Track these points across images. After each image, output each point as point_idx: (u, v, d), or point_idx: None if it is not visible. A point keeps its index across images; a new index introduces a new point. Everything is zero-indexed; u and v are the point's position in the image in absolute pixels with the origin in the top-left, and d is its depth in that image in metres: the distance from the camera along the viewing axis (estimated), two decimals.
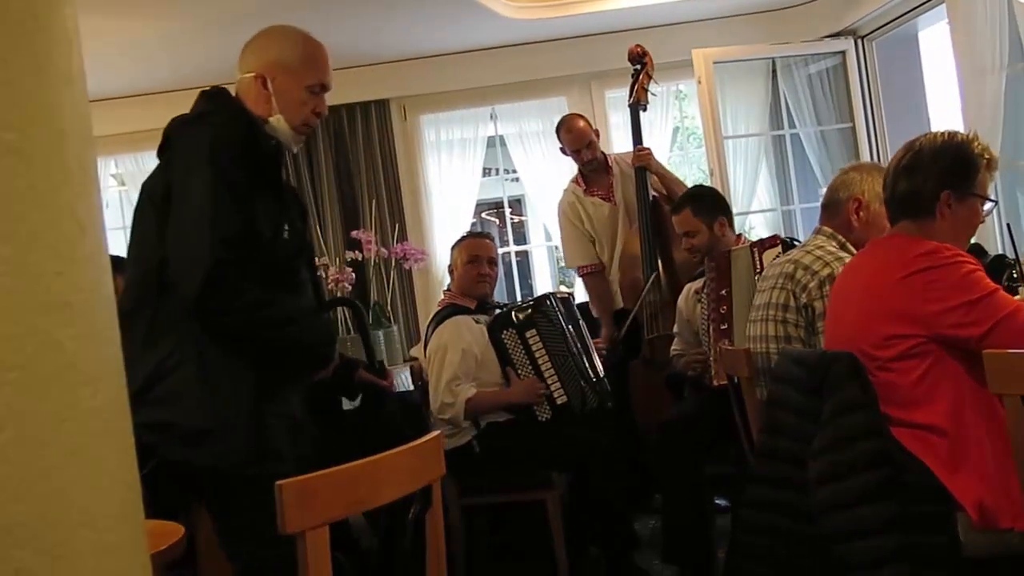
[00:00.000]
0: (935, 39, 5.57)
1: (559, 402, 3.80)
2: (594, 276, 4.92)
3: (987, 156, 2.38)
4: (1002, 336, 2.13)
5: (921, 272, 2.23)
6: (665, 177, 4.74)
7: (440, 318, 3.86)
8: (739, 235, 4.02)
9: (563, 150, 4.86)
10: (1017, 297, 2.94)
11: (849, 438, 2.15)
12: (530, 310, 3.91)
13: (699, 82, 5.49)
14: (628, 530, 3.79)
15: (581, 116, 4.87)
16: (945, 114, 5.55)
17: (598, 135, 4.86)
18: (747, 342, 3.11)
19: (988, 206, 2.43)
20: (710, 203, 3.94)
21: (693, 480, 3.57)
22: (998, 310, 2.16)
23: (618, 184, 4.81)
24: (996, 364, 1.92)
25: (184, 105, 2.53)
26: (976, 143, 2.38)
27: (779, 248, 3.45)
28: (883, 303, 2.27)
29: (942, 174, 2.34)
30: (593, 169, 4.83)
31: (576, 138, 4.76)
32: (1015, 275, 3.23)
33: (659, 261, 4.55)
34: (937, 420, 2.19)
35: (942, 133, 2.41)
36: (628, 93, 4.81)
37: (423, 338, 3.95)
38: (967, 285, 2.19)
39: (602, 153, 4.85)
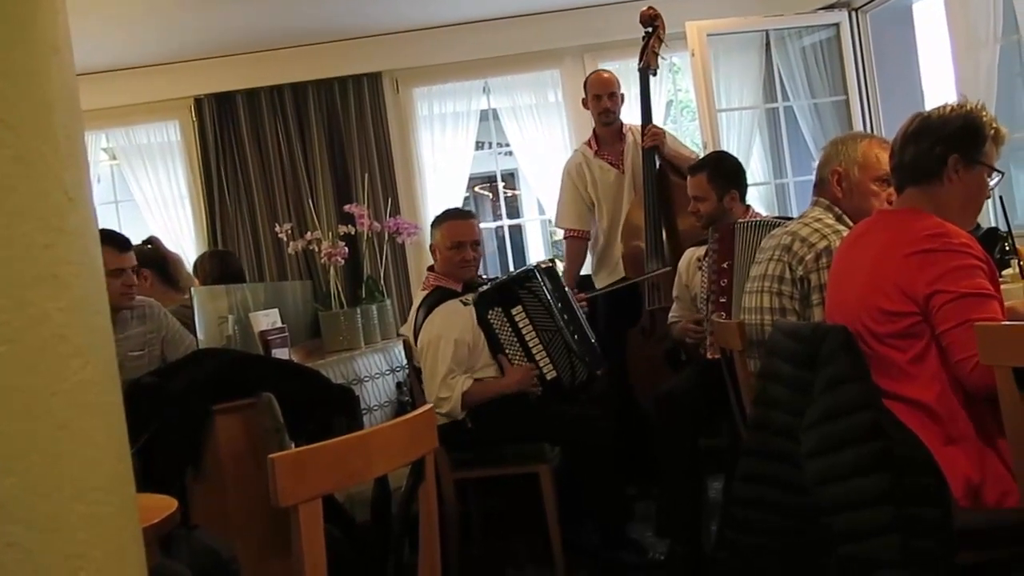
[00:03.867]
0: (929, 11, 5.54)
1: (549, 377, 3.81)
2: (577, 241, 4.98)
3: (995, 127, 2.37)
4: (960, 337, 2.11)
5: (925, 252, 2.21)
6: (678, 158, 4.68)
7: (429, 305, 3.83)
8: (748, 207, 4.01)
9: (585, 102, 4.91)
10: (1009, 271, 2.95)
11: (842, 411, 2.16)
12: (515, 286, 3.89)
13: (692, 55, 5.46)
14: (622, 502, 3.80)
15: (611, 71, 4.96)
16: (939, 86, 5.53)
17: (623, 100, 4.90)
18: (743, 313, 3.11)
19: (995, 178, 2.41)
20: (727, 173, 3.94)
21: (689, 456, 3.58)
22: (975, 313, 2.12)
23: (629, 152, 4.81)
24: (988, 335, 1.93)
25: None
26: (985, 113, 2.37)
27: None
28: (886, 278, 2.26)
29: (950, 138, 2.33)
30: (608, 123, 4.85)
31: (603, 82, 4.83)
32: (1007, 247, 3.23)
33: (663, 234, 4.55)
34: (929, 398, 2.19)
35: (951, 103, 2.40)
36: (638, 57, 4.79)
37: (412, 322, 3.89)
38: (961, 277, 2.16)
39: (619, 121, 4.88)
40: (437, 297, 3.84)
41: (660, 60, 4.80)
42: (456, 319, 3.75)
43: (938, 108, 2.40)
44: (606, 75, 4.88)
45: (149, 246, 4.47)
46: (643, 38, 4.79)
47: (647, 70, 4.76)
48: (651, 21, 4.79)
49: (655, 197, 4.57)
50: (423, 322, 3.78)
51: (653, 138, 4.63)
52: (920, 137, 2.36)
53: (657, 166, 4.62)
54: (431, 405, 1.77)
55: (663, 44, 4.78)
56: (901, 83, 5.64)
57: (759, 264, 3.08)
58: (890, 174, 2.52)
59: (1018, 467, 1.98)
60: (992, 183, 2.41)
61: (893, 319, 2.23)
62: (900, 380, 2.23)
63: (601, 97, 4.80)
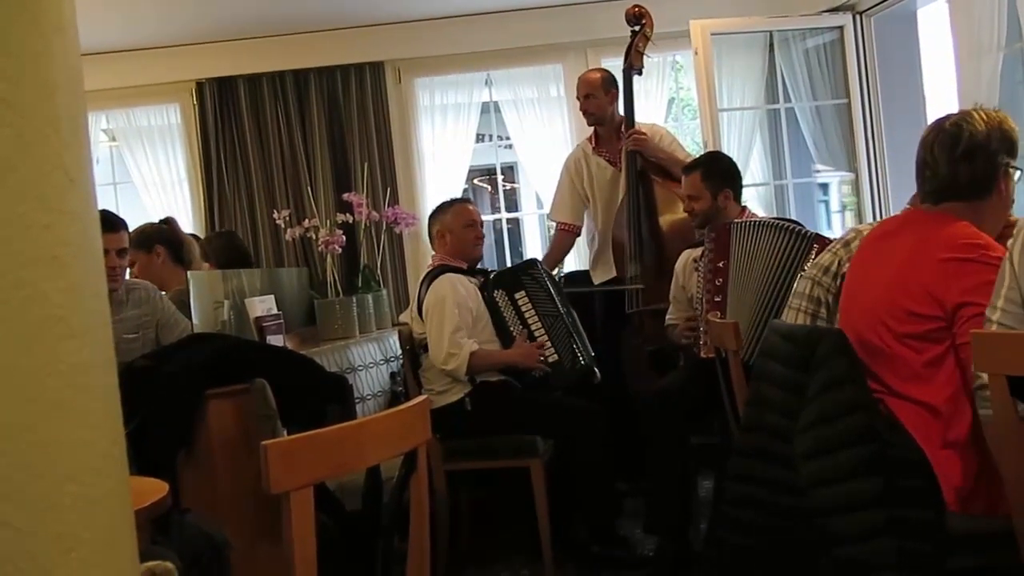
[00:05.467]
0: (933, 17, 5.54)
1: (551, 360, 3.87)
2: (567, 235, 4.97)
3: (1016, 131, 2.38)
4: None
5: (962, 261, 2.20)
6: (668, 160, 4.59)
7: (433, 275, 3.89)
8: (744, 207, 4.00)
9: None
10: None
11: (837, 414, 2.16)
12: (518, 273, 4.02)
13: (696, 53, 5.45)
14: (613, 498, 3.82)
15: (602, 71, 4.87)
16: (941, 93, 5.53)
17: (613, 98, 4.76)
18: (792, 297, 3.07)
19: (1017, 175, 2.41)
20: (721, 172, 3.93)
21: (680, 454, 3.59)
22: None
23: (626, 150, 4.78)
24: (982, 343, 1.93)
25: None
26: (1008, 119, 2.37)
27: None
28: (915, 279, 2.25)
29: (998, 152, 2.33)
30: (594, 123, 4.81)
31: (580, 83, 4.80)
32: None
33: (645, 236, 4.53)
34: (936, 401, 2.19)
35: (976, 114, 2.37)
36: (623, 56, 4.69)
37: (415, 298, 3.95)
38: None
39: (620, 116, 4.79)
40: (441, 269, 3.92)
41: (646, 59, 4.70)
42: (460, 286, 3.83)
43: (968, 120, 2.35)
44: (585, 76, 4.82)
45: (166, 225, 4.54)
46: (630, 36, 4.69)
47: (631, 70, 4.66)
48: (637, 19, 4.68)
49: (636, 199, 4.54)
50: (427, 290, 3.83)
51: (634, 143, 4.56)
52: (973, 156, 2.33)
53: (639, 167, 4.58)
54: (424, 397, 1.76)
55: (649, 43, 4.68)
56: (903, 88, 5.64)
57: (823, 254, 3.05)
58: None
59: (1007, 475, 1.99)
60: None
61: (916, 320, 2.23)
62: (909, 380, 2.23)
63: (579, 98, 4.79)
